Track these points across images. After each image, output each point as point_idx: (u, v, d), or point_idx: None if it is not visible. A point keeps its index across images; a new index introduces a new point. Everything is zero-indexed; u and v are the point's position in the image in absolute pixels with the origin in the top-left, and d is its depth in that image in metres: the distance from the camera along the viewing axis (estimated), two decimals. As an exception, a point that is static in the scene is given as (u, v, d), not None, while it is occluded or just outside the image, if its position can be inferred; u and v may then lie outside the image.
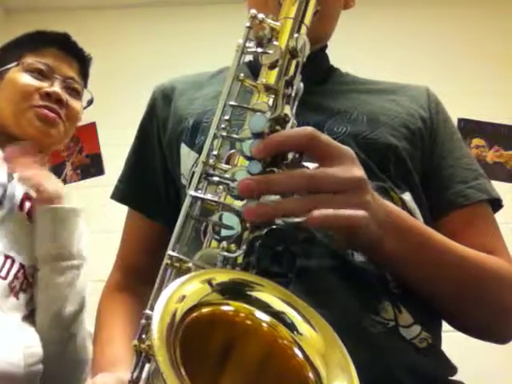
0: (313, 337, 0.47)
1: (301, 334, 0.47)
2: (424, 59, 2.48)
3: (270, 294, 0.48)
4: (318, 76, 0.82)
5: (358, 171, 0.54)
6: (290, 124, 0.55)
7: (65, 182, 2.52)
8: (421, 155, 0.78)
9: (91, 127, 2.53)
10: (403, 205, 0.73)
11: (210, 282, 0.46)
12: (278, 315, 0.47)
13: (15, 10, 2.70)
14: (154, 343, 0.38)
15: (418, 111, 0.81)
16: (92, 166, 2.51)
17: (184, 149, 0.80)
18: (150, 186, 0.88)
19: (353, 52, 2.27)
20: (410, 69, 2.41)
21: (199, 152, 0.75)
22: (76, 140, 2.54)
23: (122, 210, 0.92)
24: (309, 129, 0.52)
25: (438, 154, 0.80)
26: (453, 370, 0.70)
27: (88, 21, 2.67)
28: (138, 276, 0.88)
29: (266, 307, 0.47)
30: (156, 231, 0.88)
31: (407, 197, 0.74)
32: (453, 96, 2.48)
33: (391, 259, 0.61)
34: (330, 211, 0.49)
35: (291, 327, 0.47)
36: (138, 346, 0.53)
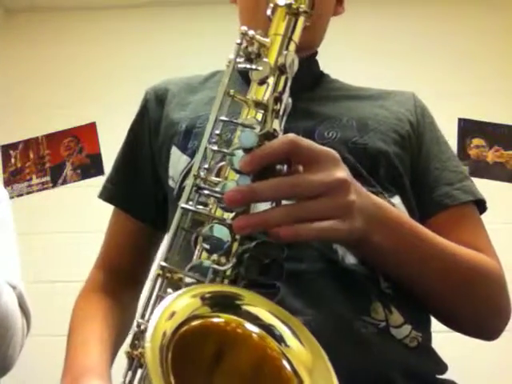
0: (300, 350, 0.48)
1: (288, 347, 0.48)
2: (424, 59, 2.48)
3: (259, 307, 0.49)
4: (308, 82, 0.84)
5: (341, 172, 0.55)
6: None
7: (65, 181, 2.52)
8: (409, 158, 0.80)
9: (91, 127, 2.53)
10: None
11: (201, 297, 0.48)
12: (267, 327, 0.49)
13: (15, 9, 2.70)
14: (146, 352, 0.40)
15: (406, 115, 0.83)
16: (92, 166, 2.51)
17: (175, 152, 0.81)
18: (138, 186, 0.89)
19: (350, 51, 2.27)
20: (410, 69, 2.42)
21: (192, 156, 0.77)
22: (76, 140, 2.55)
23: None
24: (290, 136, 0.54)
25: (424, 156, 0.82)
26: (443, 367, 0.71)
27: (88, 21, 2.67)
28: (118, 276, 0.88)
29: (255, 319, 0.49)
30: (141, 232, 0.89)
31: (396, 200, 0.76)
32: (453, 96, 2.48)
33: (379, 252, 0.62)
34: (302, 228, 0.51)
35: (279, 339, 0.48)
36: (130, 353, 0.56)
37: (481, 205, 0.81)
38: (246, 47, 0.63)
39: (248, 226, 0.51)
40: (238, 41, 0.63)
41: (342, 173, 0.55)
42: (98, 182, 2.67)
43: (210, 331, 0.47)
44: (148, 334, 0.41)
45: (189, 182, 0.58)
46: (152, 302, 0.56)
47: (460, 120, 2.39)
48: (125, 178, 0.91)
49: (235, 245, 0.53)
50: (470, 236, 0.76)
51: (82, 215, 2.37)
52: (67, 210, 2.40)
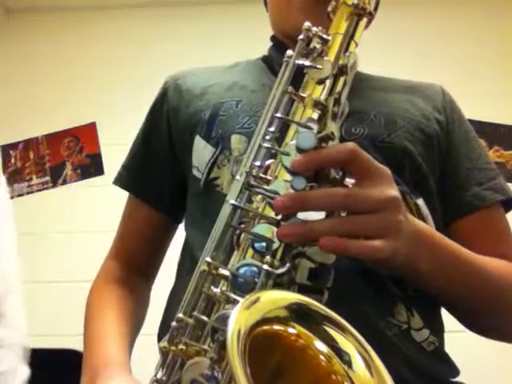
0: (366, 378, 0.47)
1: (354, 372, 0.47)
2: (424, 59, 2.48)
3: (340, 334, 0.48)
4: None
5: (393, 191, 0.55)
6: (335, 142, 0.55)
7: (65, 181, 2.52)
8: (437, 158, 0.78)
9: (91, 127, 2.53)
10: (417, 210, 0.73)
11: (290, 303, 0.47)
12: (337, 350, 0.48)
13: (15, 10, 2.70)
14: (229, 352, 0.40)
15: (433, 113, 0.80)
16: (92, 166, 2.51)
17: (199, 141, 0.79)
18: (154, 175, 0.87)
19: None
20: (410, 69, 2.41)
21: (215, 146, 0.76)
22: (76, 140, 2.55)
23: (122, 210, 0.92)
24: (350, 145, 0.53)
25: (454, 155, 0.80)
26: (456, 372, 0.72)
27: (88, 21, 2.67)
28: (132, 266, 0.87)
29: (329, 340, 0.48)
30: (156, 221, 0.88)
31: (421, 202, 0.74)
32: (453, 96, 2.48)
33: (420, 277, 0.62)
34: (346, 243, 0.51)
35: (347, 364, 0.47)
36: (167, 348, 0.54)
37: (509, 201, 0.80)
38: (306, 44, 0.60)
39: (292, 235, 0.51)
40: (301, 36, 0.60)
41: (395, 191, 0.55)
42: (97, 182, 2.68)
43: (279, 341, 0.47)
44: (228, 338, 0.40)
45: (240, 178, 0.56)
46: (195, 298, 0.55)
47: (460, 120, 2.39)
48: (141, 166, 0.88)
49: (282, 246, 0.52)
50: (498, 243, 0.76)
51: (81, 215, 2.37)
52: (67, 210, 2.40)
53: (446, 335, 0.74)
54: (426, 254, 0.60)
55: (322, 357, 0.47)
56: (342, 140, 0.70)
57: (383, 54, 2.46)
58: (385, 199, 0.53)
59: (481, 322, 0.72)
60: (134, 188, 0.89)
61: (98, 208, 2.27)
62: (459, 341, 0.87)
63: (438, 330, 0.71)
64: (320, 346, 0.48)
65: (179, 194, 0.84)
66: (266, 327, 0.45)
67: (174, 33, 2.61)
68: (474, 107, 2.42)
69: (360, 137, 0.73)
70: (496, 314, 0.70)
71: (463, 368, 0.73)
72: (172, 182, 0.85)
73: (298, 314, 0.47)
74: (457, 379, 0.72)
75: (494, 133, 2.46)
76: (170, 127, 0.85)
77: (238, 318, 0.42)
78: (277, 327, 0.46)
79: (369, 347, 0.49)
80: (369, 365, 0.48)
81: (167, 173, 0.86)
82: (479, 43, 2.53)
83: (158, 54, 2.56)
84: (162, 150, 0.86)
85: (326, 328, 0.48)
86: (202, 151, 0.78)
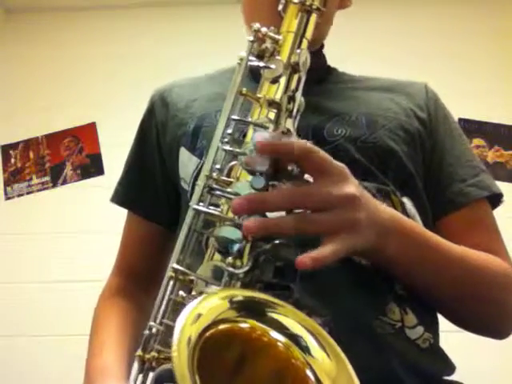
0: (325, 361, 0.48)
1: (313, 357, 0.48)
2: (423, 59, 2.48)
3: (289, 318, 0.49)
4: (316, 76, 0.82)
5: (351, 188, 0.55)
6: (292, 138, 0.56)
7: (65, 181, 2.52)
8: (421, 157, 0.78)
9: (91, 127, 2.53)
10: (403, 208, 0.73)
11: (230, 300, 0.47)
12: (293, 337, 0.48)
13: (15, 10, 2.70)
14: (174, 358, 0.40)
15: (416, 112, 0.80)
16: (92, 166, 2.51)
17: (184, 153, 0.80)
18: (150, 188, 0.88)
19: (348, 51, 2.27)
20: (409, 69, 2.41)
21: (200, 157, 0.77)
22: (76, 140, 2.54)
23: (122, 210, 0.92)
24: (305, 142, 0.53)
25: (438, 153, 0.80)
26: (452, 368, 0.72)
27: (88, 21, 2.67)
28: (137, 281, 0.88)
29: (282, 328, 0.48)
30: (157, 234, 0.88)
31: (407, 200, 0.74)
32: (453, 96, 2.47)
33: (392, 264, 0.62)
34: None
35: (305, 350, 0.48)
36: (142, 356, 0.55)
37: (495, 197, 0.80)
38: (259, 44, 0.61)
39: (258, 228, 0.51)
40: (251, 38, 0.61)
41: (353, 188, 0.55)
42: (98, 182, 2.68)
43: (234, 336, 0.47)
44: (174, 339, 0.41)
45: (200, 182, 0.58)
46: (164, 304, 0.56)
47: (460, 120, 2.39)
48: (135, 181, 0.90)
49: (247, 246, 0.52)
50: (483, 238, 0.76)
51: (81, 215, 2.37)
52: (67, 210, 2.40)
53: (442, 335, 0.74)
54: (395, 242, 0.60)
55: (279, 344, 0.48)
56: (324, 141, 0.72)
57: (381, 53, 2.46)
58: (340, 196, 0.54)
59: (465, 316, 0.71)
60: (130, 204, 0.90)
61: (98, 208, 2.27)
62: (455, 340, 0.87)
63: (432, 325, 0.71)
64: (275, 334, 0.48)
65: (176, 204, 0.84)
66: (218, 327, 0.45)
67: (175, 33, 2.61)
68: (474, 107, 2.43)
69: (342, 137, 0.74)
70: (478, 308, 0.69)
71: (459, 367, 0.72)
72: (168, 194, 0.86)
73: (243, 309, 0.48)
74: (452, 377, 0.72)
75: (494, 133, 2.46)
76: (159, 141, 0.86)
77: (184, 329, 0.42)
78: (229, 325, 0.47)
79: (310, 320, 0.50)
80: (321, 343, 0.48)
81: (162, 186, 0.87)
82: (479, 43, 2.53)
83: (158, 54, 2.56)
84: (154, 164, 0.87)
85: (272, 315, 0.49)
86: (187, 163, 0.79)
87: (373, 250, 0.58)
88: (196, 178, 0.76)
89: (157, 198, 0.87)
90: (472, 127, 2.42)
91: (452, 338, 0.81)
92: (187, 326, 0.43)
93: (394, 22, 2.59)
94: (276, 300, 0.50)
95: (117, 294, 0.86)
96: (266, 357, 0.48)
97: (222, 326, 0.46)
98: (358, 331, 0.62)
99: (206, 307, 0.45)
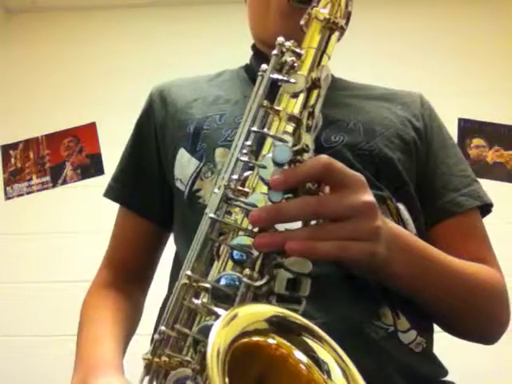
0: None
1: (333, 381, 0.48)
2: (424, 59, 2.48)
3: (320, 345, 0.49)
4: None
5: (368, 197, 0.55)
6: (309, 154, 0.56)
7: (65, 181, 2.52)
8: (416, 165, 0.79)
9: (91, 127, 2.53)
10: (398, 214, 0.74)
11: (269, 316, 0.47)
12: (316, 360, 0.48)
13: (15, 10, 2.70)
14: (209, 368, 0.40)
15: (411, 121, 0.82)
16: (92, 166, 2.51)
17: (183, 154, 0.80)
18: (144, 185, 0.88)
19: (351, 51, 2.27)
20: (410, 69, 2.41)
21: (200, 159, 0.77)
22: (76, 140, 2.54)
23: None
24: (323, 158, 0.53)
25: (432, 162, 0.81)
26: (444, 372, 0.73)
27: (88, 21, 2.67)
28: (126, 274, 0.88)
29: (309, 351, 0.48)
30: (148, 231, 0.89)
31: (402, 206, 0.76)
32: (453, 96, 2.48)
33: (396, 280, 0.63)
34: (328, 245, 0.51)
35: (326, 373, 0.48)
36: (150, 360, 0.55)
37: (485, 207, 0.81)
38: (280, 57, 0.62)
39: (270, 245, 0.51)
40: (275, 51, 0.62)
41: (370, 197, 0.55)
42: (98, 182, 2.68)
43: (260, 351, 0.47)
44: (208, 353, 0.41)
45: (218, 191, 0.57)
46: (176, 310, 0.56)
47: (460, 120, 2.39)
48: (130, 177, 0.90)
49: (260, 257, 0.52)
50: (474, 246, 0.77)
51: (81, 215, 2.36)
52: (67, 210, 2.40)
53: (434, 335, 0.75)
54: (401, 257, 0.60)
55: (302, 366, 0.48)
56: (321, 148, 0.72)
57: (383, 53, 2.46)
58: (359, 204, 0.54)
59: (457, 325, 0.73)
60: (123, 199, 0.91)
61: (97, 208, 2.27)
62: (447, 341, 0.87)
63: (425, 330, 0.72)
64: (299, 355, 0.48)
65: (169, 203, 0.85)
66: (246, 339, 0.46)
67: (175, 33, 2.61)
68: (474, 107, 2.43)
69: (339, 144, 0.74)
70: (473, 317, 0.71)
71: (452, 369, 0.73)
72: (162, 192, 0.86)
73: (277, 325, 0.48)
74: (445, 379, 0.73)
75: (494, 133, 2.46)
76: (157, 139, 0.87)
77: (218, 334, 0.43)
78: (257, 338, 0.47)
79: (345, 356, 0.49)
80: (346, 374, 0.48)
81: (156, 184, 0.87)
82: (479, 43, 2.53)
83: (158, 54, 2.56)
84: (151, 162, 0.87)
85: (304, 338, 0.49)
86: (186, 164, 0.79)
87: (381, 263, 0.57)
88: (194, 181, 0.77)
89: (151, 195, 0.88)
90: (472, 127, 2.42)
91: (444, 339, 0.81)
92: (219, 332, 0.43)
93: (399, 22, 2.59)
94: (317, 329, 0.50)
95: (108, 286, 0.86)
96: (286, 376, 0.48)
97: (248, 339, 0.46)
98: (351, 335, 0.62)
99: (244, 312, 0.46)
